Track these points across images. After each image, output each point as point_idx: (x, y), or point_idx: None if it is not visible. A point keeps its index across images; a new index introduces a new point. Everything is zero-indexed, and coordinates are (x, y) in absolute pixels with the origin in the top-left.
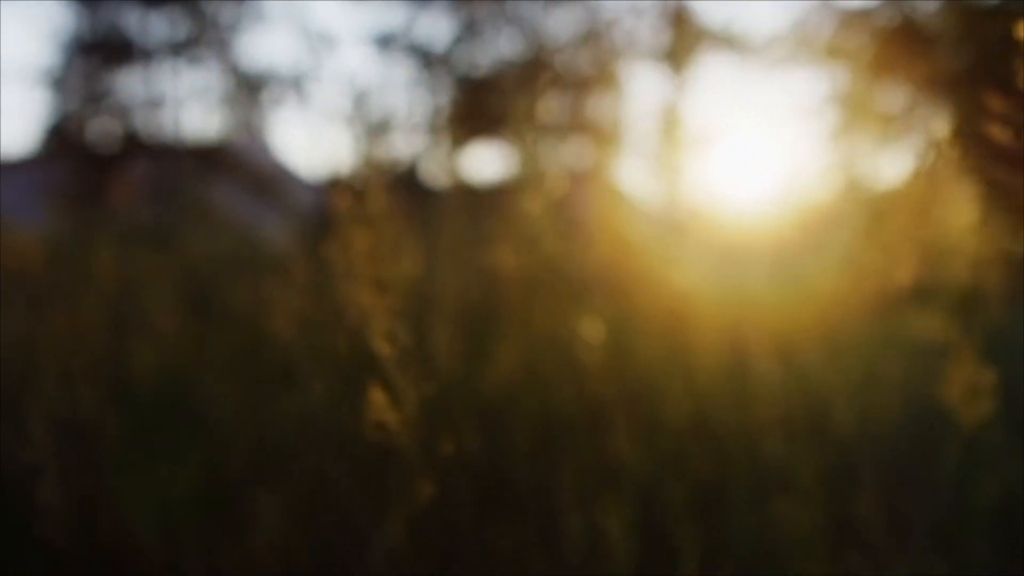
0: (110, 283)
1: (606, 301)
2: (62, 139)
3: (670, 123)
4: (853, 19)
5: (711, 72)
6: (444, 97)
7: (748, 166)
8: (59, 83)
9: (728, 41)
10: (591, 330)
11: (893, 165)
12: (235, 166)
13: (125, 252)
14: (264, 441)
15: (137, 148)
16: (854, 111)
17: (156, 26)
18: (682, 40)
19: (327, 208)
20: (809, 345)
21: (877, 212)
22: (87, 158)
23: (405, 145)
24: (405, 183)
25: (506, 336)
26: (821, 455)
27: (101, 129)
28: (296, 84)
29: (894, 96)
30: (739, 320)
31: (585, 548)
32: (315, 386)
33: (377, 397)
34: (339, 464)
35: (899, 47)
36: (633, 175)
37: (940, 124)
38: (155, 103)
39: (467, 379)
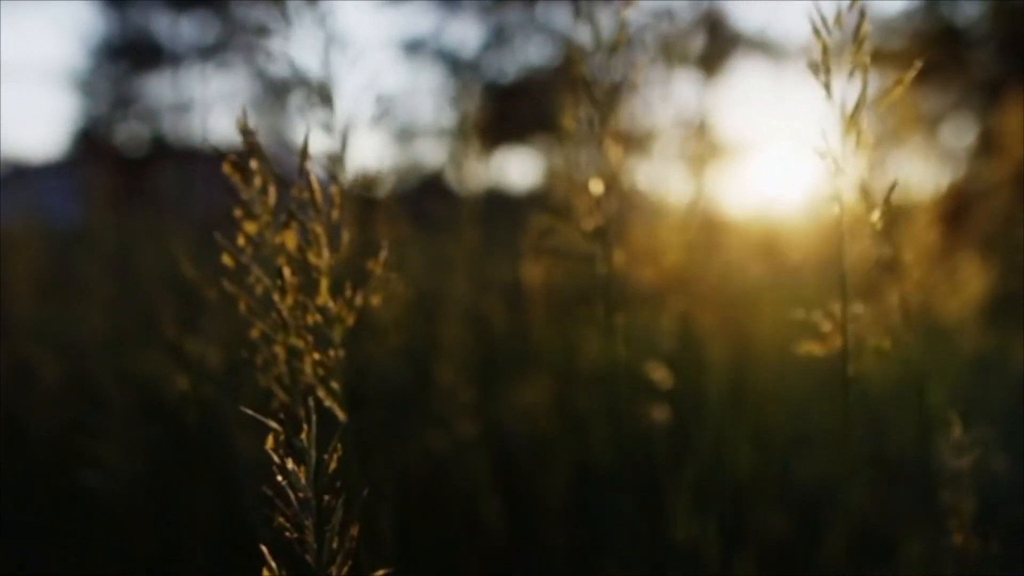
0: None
1: (655, 322)
2: (91, 143)
3: (704, 130)
4: (891, 24)
5: (746, 78)
6: (472, 104)
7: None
8: (88, 87)
9: (763, 46)
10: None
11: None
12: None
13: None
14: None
15: (165, 152)
16: (892, 117)
17: (185, 30)
18: (716, 45)
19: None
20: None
21: (917, 220)
22: (116, 162)
23: (432, 152)
24: (431, 190)
25: (534, 368)
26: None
27: (130, 133)
28: (324, 89)
29: (933, 102)
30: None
31: None
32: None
33: None
34: None
35: (938, 52)
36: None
37: (980, 130)
38: (183, 107)
39: (483, 428)
